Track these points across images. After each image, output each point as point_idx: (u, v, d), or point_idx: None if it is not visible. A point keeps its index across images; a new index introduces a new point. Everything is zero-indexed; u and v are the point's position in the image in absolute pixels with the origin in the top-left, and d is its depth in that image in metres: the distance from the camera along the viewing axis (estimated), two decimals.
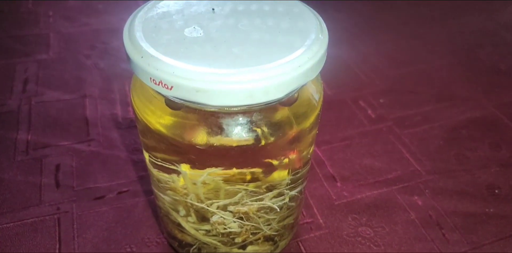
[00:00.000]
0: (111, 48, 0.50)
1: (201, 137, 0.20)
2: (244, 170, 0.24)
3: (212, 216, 0.26)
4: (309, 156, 0.27)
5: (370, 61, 0.51)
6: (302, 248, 0.32)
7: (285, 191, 0.27)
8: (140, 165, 0.37)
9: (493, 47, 0.54)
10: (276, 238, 0.29)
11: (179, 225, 0.28)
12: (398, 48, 0.53)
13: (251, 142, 0.21)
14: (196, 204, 0.25)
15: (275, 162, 0.24)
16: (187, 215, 0.27)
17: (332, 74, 0.39)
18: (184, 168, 0.23)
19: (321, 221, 0.34)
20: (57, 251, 0.31)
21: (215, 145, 0.21)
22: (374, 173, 0.38)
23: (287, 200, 0.27)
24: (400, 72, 0.49)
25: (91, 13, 0.55)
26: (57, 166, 0.37)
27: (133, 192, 0.35)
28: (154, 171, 0.26)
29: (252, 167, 0.24)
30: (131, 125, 0.41)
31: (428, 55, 0.52)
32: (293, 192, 0.27)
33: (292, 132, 0.22)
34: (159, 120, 0.21)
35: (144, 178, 0.36)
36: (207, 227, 0.27)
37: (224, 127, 0.20)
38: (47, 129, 0.40)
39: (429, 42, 0.55)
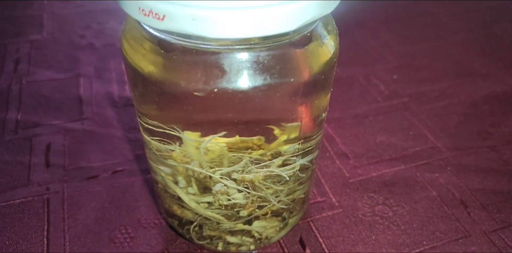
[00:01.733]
0: (106, 28, 0.47)
1: (199, 82, 0.18)
2: (249, 134, 0.21)
3: (214, 185, 0.23)
4: (321, 121, 0.24)
5: (379, 38, 0.48)
6: (313, 228, 0.29)
7: (295, 158, 0.24)
8: (137, 143, 0.35)
9: (510, 23, 0.51)
10: (285, 214, 0.26)
11: (178, 199, 0.25)
12: (409, 25, 0.51)
13: (257, 87, 0.18)
14: (198, 170, 0.22)
15: (284, 124, 0.21)
16: (188, 186, 0.24)
17: (339, 51, 0.36)
18: (186, 134, 0.21)
19: (334, 200, 0.31)
20: (45, 232, 0.28)
21: (215, 91, 0.18)
22: (390, 150, 0.35)
23: (297, 168, 0.24)
24: (412, 48, 0.47)
25: None
26: (48, 145, 0.34)
27: (129, 171, 0.33)
28: (153, 141, 0.23)
29: (258, 126, 0.21)
30: (128, 104, 0.38)
31: (441, 32, 0.50)
32: (304, 161, 0.24)
33: (304, 77, 0.19)
34: (152, 66, 0.19)
35: (141, 157, 0.34)
36: (209, 198, 0.24)
37: (226, 68, 0.18)
38: (39, 108, 0.37)
39: (442, 19, 0.52)
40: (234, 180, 0.23)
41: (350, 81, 0.42)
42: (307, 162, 0.25)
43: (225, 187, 0.23)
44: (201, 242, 0.26)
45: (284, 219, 0.27)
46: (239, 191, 0.24)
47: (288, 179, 0.24)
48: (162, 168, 0.24)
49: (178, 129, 0.21)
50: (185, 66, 0.18)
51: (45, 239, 0.28)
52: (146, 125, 0.23)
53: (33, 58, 0.43)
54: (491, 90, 0.41)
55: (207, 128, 0.21)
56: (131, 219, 0.29)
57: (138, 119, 0.24)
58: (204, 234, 0.26)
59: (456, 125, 0.38)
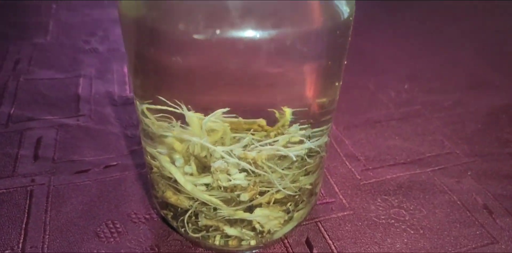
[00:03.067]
0: (112, 35, 0.47)
1: (199, 24, 0.16)
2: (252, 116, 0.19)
3: (214, 162, 0.21)
4: (331, 102, 0.22)
5: (388, 52, 0.47)
6: (322, 228, 0.26)
7: (302, 139, 0.22)
8: (134, 140, 0.33)
9: None
10: (290, 205, 0.23)
11: (174, 182, 0.22)
12: (417, 41, 0.50)
13: (265, 32, 0.16)
14: (198, 140, 0.20)
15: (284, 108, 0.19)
16: (185, 164, 0.22)
17: (348, 61, 0.35)
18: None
19: (344, 201, 0.29)
20: (23, 224, 0.26)
21: (218, 33, 0.16)
22: (404, 154, 0.33)
23: (304, 152, 0.22)
24: (422, 61, 0.45)
25: (95, 6, 0.53)
26: (39, 139, 0.32)
27: (123, 166, 0.30)
28: (152, 119, 0.21)
29: (262, 105, 0.19)
30: (127, 103, 0.37)
31: (451, 49, 0.49)
32: (312, 144, 0.22)
33: (316, 27, 0.17)
34: (150, 10, 0.17)
35: (136, 152, 0.31)
36: (207, 179, 0.21)
37: (231, 9, 0.16)
38: (33, 104, 0.36)
39: (451, 38, 0.51)
40: (236, 158, 0.21)
41: (361, 89, 0.40)
42: (316, 147, 0.23)
43: (225, 164, 0.21)
44: (196, 235, 0.24)
45: (288, 211, 0.24)
46: (241, 171, 0.21)
47: (294, 158, 0.21)
48: (159, 148, 0.22)
49: (180, 103, 0.19)
50: (185, 7, 0.16)
51: (22, 231, 0.25)
52: (145, 102, 0.21)
53: (34, 59, 0.42)
54: (508, 102, 0.39)
55: (210, 105, 0.19)
56: (120, 214, 0.27)
57: (136, 99, 0.22)
58: (200, 224, 0.23)
59: (474, 132, 0.35)
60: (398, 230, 0.27)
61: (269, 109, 0.20)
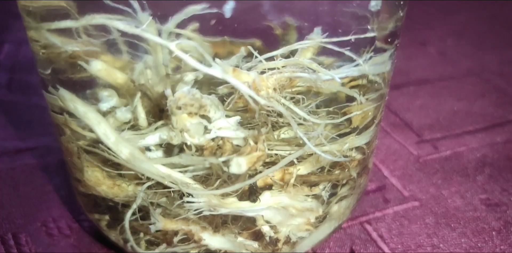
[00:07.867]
0: None
1: None
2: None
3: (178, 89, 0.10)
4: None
5: (423, 5, 0.37)
6: (372, 233, 0.16)
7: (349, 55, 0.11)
8: None
9: None
10: (324, 188, 0.12)
11: (101, 147, 0.11)
12: None
13: None
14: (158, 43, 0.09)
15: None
16: (122, 105, 0.11)
17: None
18: None
19: (399, 187, 0.18)
20: None
21: None
22: (472, 120, 0.23)
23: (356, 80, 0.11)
24: (464, 15, 0.36)
25: None
26: None
27: (44, 149, 0.20)
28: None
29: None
30: None
31: (493, 2, 0.39)
32: (370, 70, 0.12)
33: None
34: None
35: None
36: (161, 133, 0.11)
37: None
38: None
39: None
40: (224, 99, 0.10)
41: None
42: (376, 76, 0.12)
43: (197, 94, 0.10)
44: None
45: (322, 200, 0.13)
46: (229, 114, 0.10)
47: (339, 80, 0.11)
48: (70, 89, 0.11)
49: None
50: None
51: None
52: None
53: None
54: None
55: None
56: (29, 221, 0.16)
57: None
58: (154, 229, 0.12)
59: None
60: (496, 228, 0.16)
61: (265, 23, 0.11)
